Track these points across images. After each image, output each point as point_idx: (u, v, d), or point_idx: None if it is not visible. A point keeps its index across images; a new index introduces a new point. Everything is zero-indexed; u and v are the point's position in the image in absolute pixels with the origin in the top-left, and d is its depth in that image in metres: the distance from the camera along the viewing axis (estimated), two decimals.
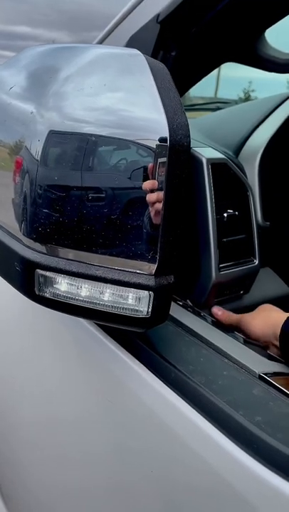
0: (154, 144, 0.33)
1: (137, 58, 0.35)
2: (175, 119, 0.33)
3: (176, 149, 0.33)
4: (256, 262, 0.69)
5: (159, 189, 0.34)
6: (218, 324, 0.55)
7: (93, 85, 0.35)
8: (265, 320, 0.56)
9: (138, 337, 0.45)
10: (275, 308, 0.60)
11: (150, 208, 0.35)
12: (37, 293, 0.39)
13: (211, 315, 0.61)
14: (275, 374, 0.42)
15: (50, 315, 0.55)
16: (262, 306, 0.61)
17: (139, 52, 0.36)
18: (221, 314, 0.61)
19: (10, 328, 0.69)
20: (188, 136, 0.34)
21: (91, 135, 0.34)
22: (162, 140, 0.33)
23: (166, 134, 0.32)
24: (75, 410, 0.55)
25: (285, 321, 0.51)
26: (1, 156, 0.42)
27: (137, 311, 0.37)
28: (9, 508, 0.83)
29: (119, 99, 0.34)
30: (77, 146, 0.35)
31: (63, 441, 0.59)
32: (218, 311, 0.62)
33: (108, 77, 0.35)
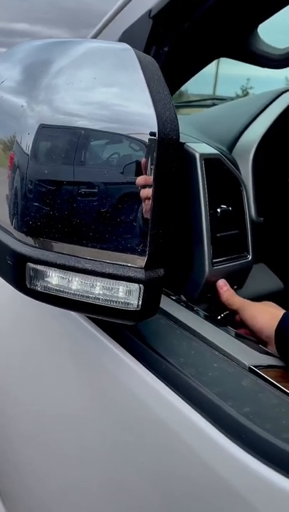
0: (143, 137, 0.33)
1: (127, 52, 0.35)
2: (164, 113, 0.33)
3: (165, 143, 0.33)
4: (250, 257, 0.69)
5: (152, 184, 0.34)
6: (210, 318, 0.55)
7: (83, 79, 0.35)
8: (274, 317, 0.55)
9: (130, 330, 0.45)
10: (278, 306, 0.60)
11: (143, 204, 0.35)
12: (28, 286, 0.39)
13: (205, 310, 0.61)
14: (265, 367, 0.42)
15: (42, 308, 0.56)
16: (266, 303, 0.61)
17: (129, 46, 0.36)
18: (225, 290, 0.61)
19: (1, 323, 0.70)
20: (178, 129, 0.34)
21: (81, 129, 0.35)
22: (151, 134, 0.33)
23: (155, 127, 0.33)
24: (68, 405, 0.55)
25: (282, 317, 0.51)
26: None
27: (127, 304, 0.37)
28: (7, 506, 0.84)
29: (109, 93, 0.34)
30: (67, 140, 0.35)
31: (58, 436, 0.59)
32: (224, 285, 0.61)
33: (98, 70, 0.35)
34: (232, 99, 1.31)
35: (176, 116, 0.34)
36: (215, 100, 1.26)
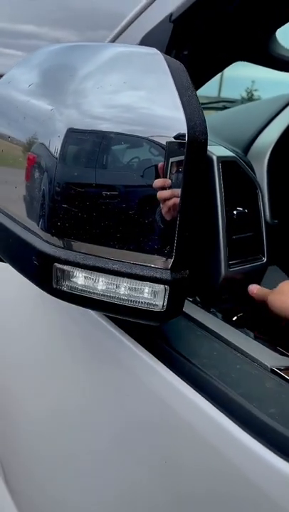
0: (174, 140, 0.33)
1: (156, 57, 0.36)
2: (193, 117, 0.34)
3: (194, 146, 0.34)
4: (264, 259, 0.69)
5: (170, 186, 0.35)
6: (228, 320, 0.56)
7: (113, 83, 0.35)
8: None
9: (151, 331, 0.45)
10: None
11: (162, 205, 0.36)
12: (54, 286, 0.39)
13: (220, 311, 0.62)
14: (286, 368, 0.43)
15: (62, 309, 0.56)
16: (286, 283, 0.60)
17: (157, 50, 0.36)
18: (257, 291, 0.61)
19: (17, 322, 0.70)
20: (206, 133, 0.34)
21: (110, 133, 0.35)
22: (179, 136, 0.34)
23: (185, 130, 0.33)
24: (85, 404, 0.56)
25: None
26: (17, 154, 0.43)
27: (152, 304, 0.38)
28: (16, 501, 0.84)
29: (139, 97, 0.35)
30: (95, 144, 0.36)
31: (71, 435, 0.60)
32: (254, 288, 0.62)
33: (127, 75, 0.35)
34: (242, 101, 1.32)
35: (204, 120, 0.35)
36: (225, 103, 1.26)
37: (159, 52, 0.36)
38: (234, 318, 0.65)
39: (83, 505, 0.60)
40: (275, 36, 0.62)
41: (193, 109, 0.34)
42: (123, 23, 0.60)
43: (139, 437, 0.47)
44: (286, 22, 0.59)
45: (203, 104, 1.47)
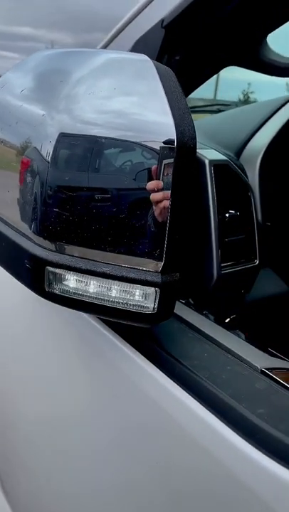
0: (162, 146, 0.34)
1: (146, 64, 0.37)
2: (182, 122, 0.34)
3: (183, 150, 0.34)
4: (257, 261, 0.70)
5: (162, 189, 0.36)
6: (220, 322, 0.56)
7: (103, 89, 0.36)
8: None
9: (143, 333, 0.46)
10: None
11: (154, 207, 0.36)
12: (46, 289, 0.40)
13: (213, 313, 0.62)
14: (276, 369, 0.43)
15: (55, 312, 0.56)
16: None
17: (147, 57, 0.37)
18: None
19: (10, 323, 0.70)
20: (195, 138, 0.35)
21: (101, 137, 0.36)
22: (169, 142, 0.34)
23: (173, 136, 0.34)
24: (80, 406, 0.56)
25: None
26: (10, 157, 0.44)
27: (143, 307, 0.38)
28: (12, 505, 0.84)
29: (129, 103, 0.35)
30: (87, 149, 0.36)
31: (69, 438, 0.60)
32: None
33: (118, 81, 0.36)
34: (237, 104, 1.32)
35: (193, 125, 0.35)
36: (220, 106, 1.27)
37: (149, 58, 0.37)
38: (227, 320, 0.66)
39: (81, 506, 0.60)
40: (266, 41, 0.63)
41: (182, 115, 0.34)
42: (115, 29, 0.61)
43: (132, 438, 0.47)
44: (277, 27, 0.60)
45: (198, 107, 1.48)
